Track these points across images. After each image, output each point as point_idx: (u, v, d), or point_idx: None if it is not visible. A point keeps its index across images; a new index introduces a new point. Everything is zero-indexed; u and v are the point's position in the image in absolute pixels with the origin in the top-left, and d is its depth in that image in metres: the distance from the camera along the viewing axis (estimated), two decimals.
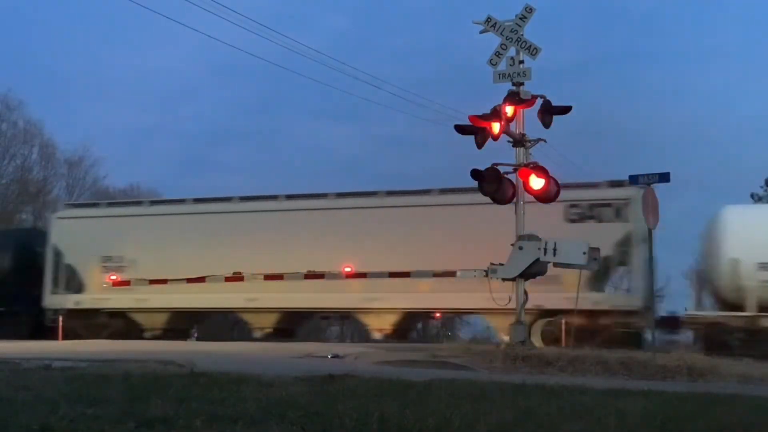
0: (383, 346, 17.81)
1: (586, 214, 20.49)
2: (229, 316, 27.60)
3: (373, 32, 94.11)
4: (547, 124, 14.61)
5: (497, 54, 14.82)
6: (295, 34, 52.11)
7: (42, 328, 23.87)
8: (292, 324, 25.17)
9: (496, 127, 13.98)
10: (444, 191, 22.10)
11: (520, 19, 14.75)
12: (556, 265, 14.28)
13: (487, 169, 14.20)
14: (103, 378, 7.55)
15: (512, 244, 14.30)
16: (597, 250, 13.91)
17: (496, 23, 14.84)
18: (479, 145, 14.11)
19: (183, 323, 25.31)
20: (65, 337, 21.91)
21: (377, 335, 22.64)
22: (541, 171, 14.30)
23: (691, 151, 72.96)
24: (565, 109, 14.71)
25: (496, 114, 14.06)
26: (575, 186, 20.57)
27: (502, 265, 14.39)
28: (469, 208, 20.32)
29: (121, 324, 23.93)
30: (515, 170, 14.52)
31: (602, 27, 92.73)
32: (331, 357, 13.84)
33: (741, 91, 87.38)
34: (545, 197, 14.60)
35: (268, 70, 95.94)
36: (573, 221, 20.22)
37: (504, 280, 14.60)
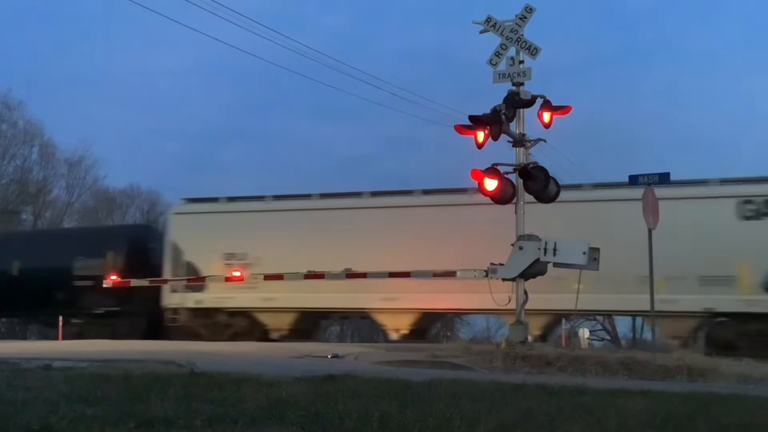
0: (383, 346, 17.82)
1: (763, 210, 19.04)
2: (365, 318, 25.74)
3: (373, 32, 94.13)
4: (547, 125, 14.61)
5: (497, 54, 14.82)
6: (294, 34, 52.00)
7: (157, 328, 23.17)
8: (427, 324, 24.13)
9: (495, 127, 13.98)
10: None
11: (520, 19, 14.75)
12: (556, 265, 14.27)
13: (487, 169, 14.21)
14: (103, 378, 7.55)
15: (512, 244, 14.30)
16: (597, 249, 13.90)
17: (496, 23, 14.84)
18: (479, 146, 14.13)
19: (311, 323, 24.34)
20: (184, 337, 21.21)
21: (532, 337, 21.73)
22: (540, 171, 14.30)
23: (690, 151, 72.95)
24: (565, 109, 14.71)
25: (495, 114, 14.06)
26: (744, 181, 19.44)
27: (502, 265, 14.40)
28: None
29: (244, 324, 23.13)
30: (515, 170, 14.52)
31: (603, 28, 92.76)
32: (331, 357, 13.84)
33: (740, 91, 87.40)
34: (545, 197, 14.61)
35: (268, 70, 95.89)
36: (748, 218, 18.88)
37: (504, 280, 14.60)
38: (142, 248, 25.04)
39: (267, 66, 72.15)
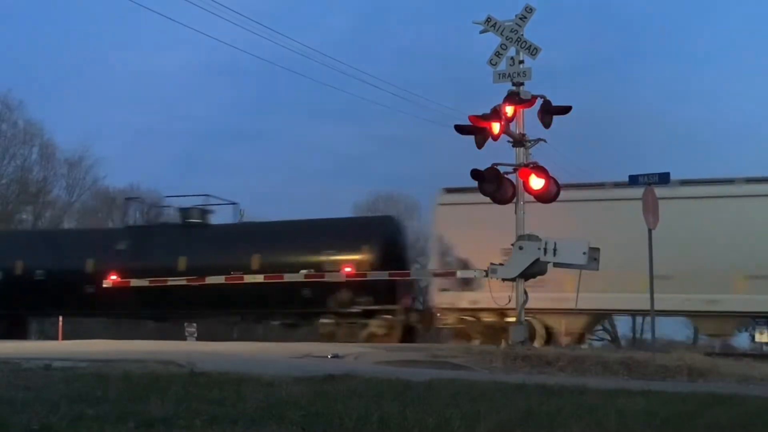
0: (383, 346, 17.78)
1: None
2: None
3: (373, 32, 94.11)
4: (547, 124, 14.62)
5: (497, 54, 14.83)
6: (295, 34, 51.98)
7: (412, 330, 21.69)
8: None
9: (496, 127, 13.99)
10: None
11: (520, 19, 14.76)
12: (556, 265, 14.27)
13: (487, 169, 14.22)
14: (103, 378, 7.55)
15: (512, 244, 14.31)
16: (597, 249, 13.91)
17: (496, 23, 14.85)
18: (479, 145, 14.13)
19: (596, 325, 21.81)
20: (452, 341, 20.03)
21: None
22: (541, 171, 14.31)
23: (688, 152, 72.93)
24: (564, 109, 14.71)
25: (496, 114, 14.07)
26: None
27: (502, 265, 14.40)
28: None
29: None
30: (515, 170, 14.53)
31: (603, 28, 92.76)
32: (331, 357, 13.82)
33: (738, 92, 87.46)
34: (545, 197, 14.61)
35: (268, 70, 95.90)
36: None
37: (504, 280, 14.60)
38: (392, 241, 23.09)
39: (267, 66, 72.24)
